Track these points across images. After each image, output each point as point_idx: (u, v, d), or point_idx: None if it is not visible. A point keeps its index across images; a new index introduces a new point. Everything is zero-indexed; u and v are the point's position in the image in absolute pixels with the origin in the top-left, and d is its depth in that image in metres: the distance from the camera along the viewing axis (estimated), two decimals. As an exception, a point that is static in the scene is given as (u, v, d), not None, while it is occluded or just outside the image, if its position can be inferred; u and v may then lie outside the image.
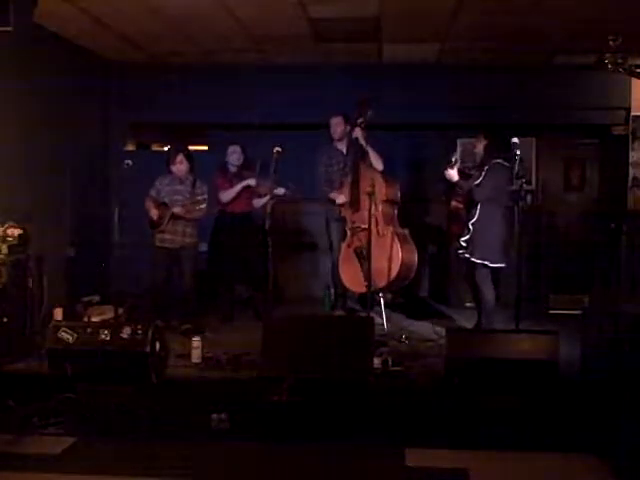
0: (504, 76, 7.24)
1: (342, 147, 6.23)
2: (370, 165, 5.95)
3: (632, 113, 7.20)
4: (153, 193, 5.94)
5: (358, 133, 5.94)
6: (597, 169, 7.62)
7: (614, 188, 7.39)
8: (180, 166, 5.91)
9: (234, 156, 6.28)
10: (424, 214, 7.55)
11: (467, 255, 5.47)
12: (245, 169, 6.28)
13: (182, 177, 5.93)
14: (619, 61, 4.20)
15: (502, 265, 5.41)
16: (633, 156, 7.24)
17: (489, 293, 5.47)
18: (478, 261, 5.40)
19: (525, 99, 7.23)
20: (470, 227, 5.46)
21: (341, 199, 6.07)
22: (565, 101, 7.31)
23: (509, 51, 6.77)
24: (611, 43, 4.17)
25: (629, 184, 7.21)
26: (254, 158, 6.20)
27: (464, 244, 5.50)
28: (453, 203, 6.01)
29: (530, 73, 7.22)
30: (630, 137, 7.23)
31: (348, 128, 6.10)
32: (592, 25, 5.66)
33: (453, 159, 5.58)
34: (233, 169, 6.30)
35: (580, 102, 7.32)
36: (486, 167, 5.44)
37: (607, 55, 4.22)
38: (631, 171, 7.23)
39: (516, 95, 7.23)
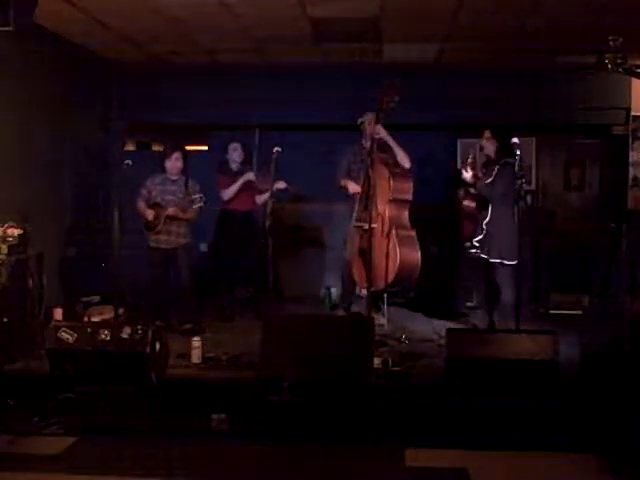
0: (504, 76, 7.24)
1: (367, 143, 5.94)
2: (386, 162, 5.75)
3: (632, 113, 7.20)
4: (144, 192, 5.90)
5: (381, 130, 5.62)
6: (597, 169, 7.60)
7: (614, 188, 7.39)
8: (176, 163, 5.87)
9: (235, 154, 6.26)
10: (424, 214, 7.52)
11: (484, 255, 5.48)
12: (246, 166, 6.26)
13: (174, 175, 5.89)
14: (619, 61, 4.19)
15: (515, 262, 5.33)
16: (633, 156, 7.24)
17: (509, 292, 5.39)
18: (496, 261, 5.40)
19: (525, 99, 7.23)
20: (484, 227, 5.47)
21: (353, 187, 5.87)
22: (565, 101, 7.31)
23: (509, 51, 6.76)
24: (611, 43, 4.17)
25: (629, 184, 7.22)
26: (254, 157, 6.20)
27: (477, 244, 5.50)
28: (465, 202, 6.00)
29: (530, 73, 7.22)
30: (630, 137, 7.23)
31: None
32: (592, 25, 5.66)
33: (469, 160, 5.54)
34: (235, 167, 6.29)
35: (580, 102, 7.31)
36: (497, 167, 5.45)
37: (607, 55, 4.21)
38: (631, 171, 7.23)
39: (516, 95, 7.22)
